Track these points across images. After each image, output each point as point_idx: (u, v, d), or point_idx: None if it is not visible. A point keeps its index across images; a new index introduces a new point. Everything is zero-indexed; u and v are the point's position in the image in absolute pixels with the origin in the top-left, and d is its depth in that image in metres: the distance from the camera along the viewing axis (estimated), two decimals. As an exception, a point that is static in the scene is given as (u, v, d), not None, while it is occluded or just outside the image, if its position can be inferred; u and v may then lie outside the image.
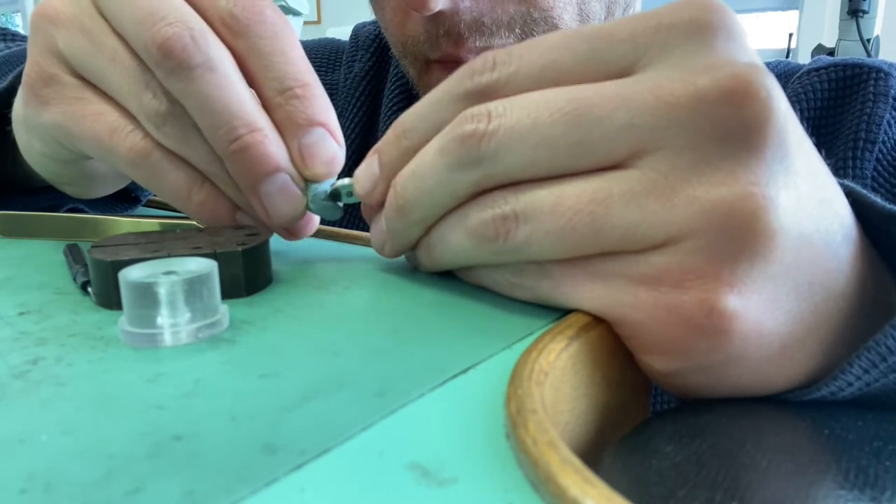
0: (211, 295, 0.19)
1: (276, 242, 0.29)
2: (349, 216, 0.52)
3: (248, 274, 0.23)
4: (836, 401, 0.19)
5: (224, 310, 0.20)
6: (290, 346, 0.18)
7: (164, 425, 0.14)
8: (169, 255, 0.21)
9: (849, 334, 0.19)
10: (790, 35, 2.51)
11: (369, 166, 0.23)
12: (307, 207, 0.26)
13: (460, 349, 0.18)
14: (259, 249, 0.23)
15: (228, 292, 0.22)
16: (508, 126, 0.19)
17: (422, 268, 0.24)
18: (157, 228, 0.29)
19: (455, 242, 0.21)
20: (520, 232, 0.19)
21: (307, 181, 0.25)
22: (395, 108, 0.54)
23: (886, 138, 0.41)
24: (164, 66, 0.23)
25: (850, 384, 0.18)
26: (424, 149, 0.21)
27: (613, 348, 0.20)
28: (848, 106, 0.43)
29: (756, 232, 0.17)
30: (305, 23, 3.12)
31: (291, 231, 0.28)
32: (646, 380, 0.21)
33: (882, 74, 0.42)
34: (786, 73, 0.47)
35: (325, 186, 0.26)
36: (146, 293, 0.18)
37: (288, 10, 2.40)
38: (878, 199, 0.20)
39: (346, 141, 0.26)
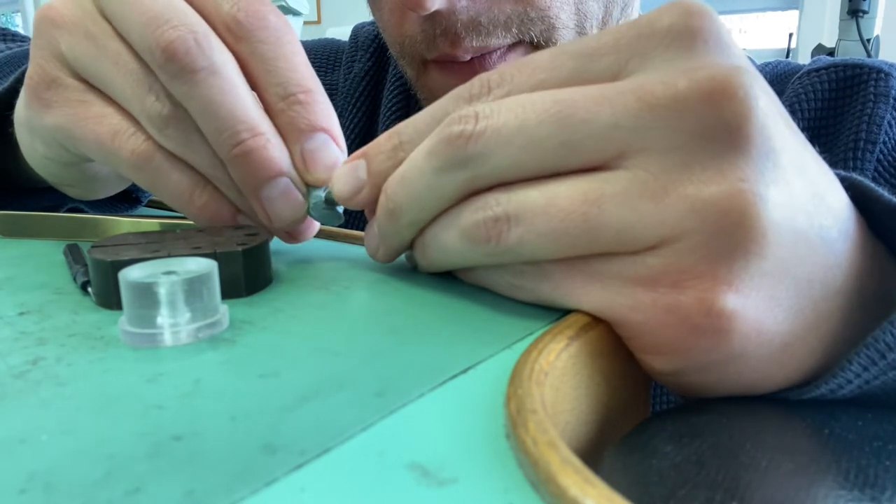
0: (211, 295, 0.19)
1: (276, 242, 0.29)
2: (349, 217, 0.52)
3: (248, 274, 0.23)
4: (836, 399, 0.19)
5: (224, 310, 0.20)
6: (290, 346, 0.18)
7: (164, 425, 0.14)
8: (169, 255, 0.21)
9: (849, 330, 0.19)
10: (790, 35, 2.51)
11: (353, 170, 0.23)
12: (308, 212, 0.26)
13: (460, 349, 0.18)
14: (259, 249, 0.23)
15: (228, 292, 0.22)
16: (495, 127, 0.19)
17: (420, 268, 0.24)
18: (157, 228, 0.29)
19: (448, 244, 0.21)
20: (512, 234, 0.19)
21: (309, 186, 0.25)
22: (394, 108, 0.54)
23: (887, 139, 0.41)
24: (168, 69, 0.23)
25: (850, 381, 0.18)
26: (413, 152, 0.21)
27: (613, 348, 0.20)
28: (848, 106, 0.43)
29: (748, 228, 0.17)
30: (305, 23, 3.12)
31: (292, 234, 0.28)
32: (646, 379, 0.21)
33: (882, 75, 0.42)
34: (786, 74, 0.47)
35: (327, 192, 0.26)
36: (146, 293, 0.18)
37: (288, 10, 2.40)
38: (884, 193, 0.20)
39: (346, 141, 0.26)
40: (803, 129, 0.20)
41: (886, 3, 1.70)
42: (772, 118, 0.18)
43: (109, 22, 0.25)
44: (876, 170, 0.41)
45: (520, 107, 0.19)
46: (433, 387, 0.16)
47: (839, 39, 1.64)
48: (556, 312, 0.21)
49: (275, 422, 0.14)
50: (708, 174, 0.17)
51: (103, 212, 0.38)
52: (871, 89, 0.41)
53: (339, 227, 0.31)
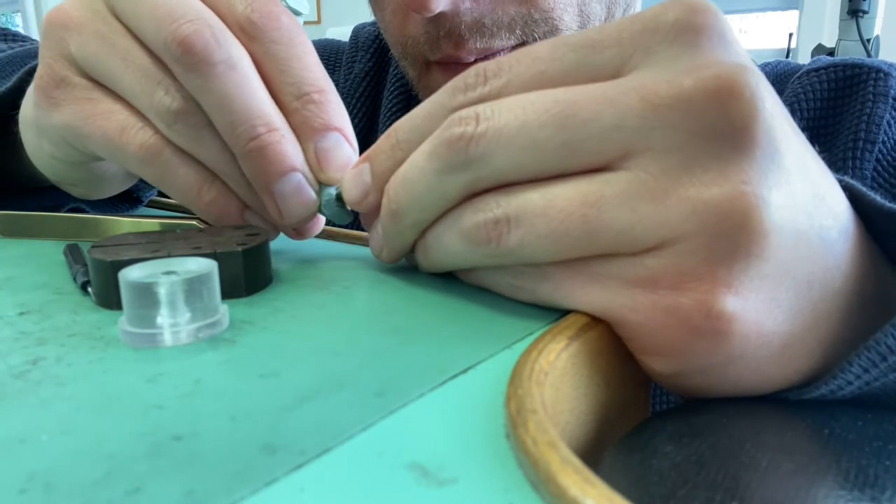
0: (211, 295, 0.19)
1: (276, 242, 0.29)
2: (354, 216, 0.52)
3: (248, 274, 0.23)
4: (835, 399, 0.19)
5: (224, 310, 0.20)
6: (290, 346, 0.18)
7: (164, 425, 0.14)
8: (169, 255, 0.21)
9: (849, 331, 0.19)
10: (790, 35, 2.51)
11: (360, 174, 0.24)
12: (319, 210, 0.26)
13: (460, 349, 0.18)
14: (259, 249, 0.23)
15: (228, 292, 0.22)
16: (496, 128, 0.19)
17: (421, 269, 0.24)
18: (157, 228, 0.29)
19: (450, 245, 0.21)
20: (512, 236, 0.19)
21: (320, 184, 0.26)
22: (394, 109, 0.54)
23: (886, 138, 0.41)
24: (185, 61, 0.23)
25: (850, 383, 0.18)
26: (415, 153, 0.21)
27: (613, 348, 0.20)
28: (847, 106, 0.43)
29: (749, 231, 0.17)
30: (305, 23, 3.12)
31: (299, 231, 0.28)
32: (646, 379, 0.21)
33: (882, 74, 0.42)
34: (785, 73, 0.47)
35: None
36: (146, 293, 0.18)
37: (288, 11, 2.40)
38: (877, 197, 0.20)
39: None
40: (803, 129, 0.19)
41: (886, 3, 1.70)
42: (777, 119, 0.17)
43: (121, 21, 0.25)
44: (875, 169, 0.41)
45: (520, 107, 0.19)
46: (433, 387, 0.16)
47: (839, 39, 1.64)
48: (556, 312, 0.21)
49: (275, 422, 0.14)
50: (710, 176, 0.17)
51: (104, 211, 0.38)
52: (871, 89, 0.41)
53: (345, 226, 0.31)
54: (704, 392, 0.20)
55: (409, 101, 0.54)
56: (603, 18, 0.40)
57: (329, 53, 0.61)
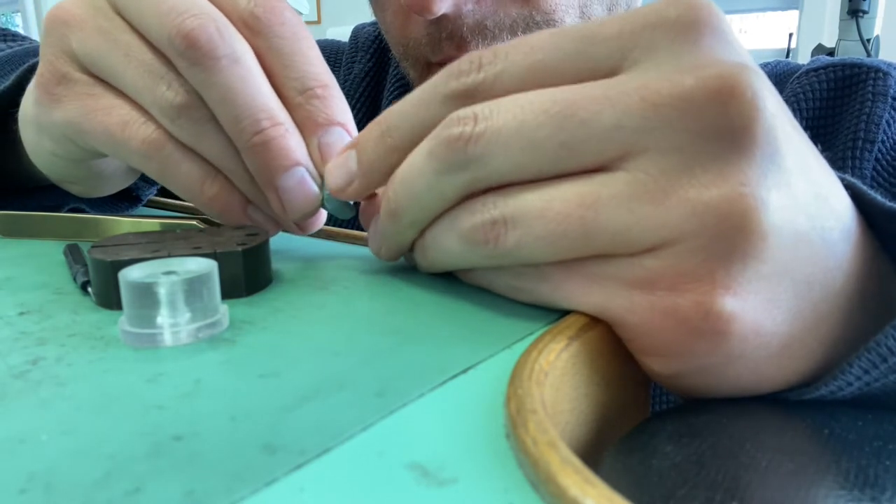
0: (211, 295, 0.19)
1: (276, 242, 0.29)
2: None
3: (248, 274, 0.23)
4: (835, 400, 0.19)
5: (224, 310, 0.20)
6: (290, 346, 0.18)
7: (164, 425, 0.14)
8: (169, 255, 0.21)
9: (849, 332, 0.19)
10: (790, 35, 2.51)
11: (345, 161, 0.24)
12: (322, 204, 0.26)
13: (460, 349, 0.18)
14: (259, 249, 0.23)
15: (228, 292, 0.22)
16: (495, 129, 0.19)
17: (420, 269, 0.24)
18: (157, 228, 0.29)
19: (448, 245, 0.21)
20: (509, 237, 0.19)
21: (323, 179, 0.26)
22: None
23: (885, 138, 0.41)
24: (189, 55, 0.23)
25: (850, 384, 0.18)
26: (414, 152, 0.21)
27: (613, 348, 0.20)
28: (847, 106, 0.43)
29: (748, 233, 0.17)
30: (305, 23, 3.12)
31: (301, 226, 0.28)
32: (646, 379, 0.21)
33: (881, 74, 0.42)
34: (785, 73, 0.47)
35: None
36: (146, 293, 0.18)
37: (288, 11, 2.40)
38: (878, 197, 0.20)
39: None
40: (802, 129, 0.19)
41: (886, 3, 1.70)
42: (779, 119, 0.17)
43: (123, 17, 0.25)
44: (874, 169, 0.41)
45: (518, 107, 0.18)
46: (433, 387, 0.16)
47: (839, 39, 1.64)
48: (556, 313, 0.21)
49: (275, 422, 0.14)
50: (709, 177, 0.17)
51: (104, 211, 0.38)
52: (870, 88, 0.41)
53: (345, 224, 0.31)
54: (704, 392, 0.20)
55: (408, 101, 0.54)
56: None
57: (329, 53, 0.61)
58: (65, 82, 0.27)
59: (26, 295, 0.23)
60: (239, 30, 0.24)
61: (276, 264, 0.26)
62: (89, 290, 0.22)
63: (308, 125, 0.25)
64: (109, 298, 0.21)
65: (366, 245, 0.30)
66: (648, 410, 0.23)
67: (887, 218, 0.20)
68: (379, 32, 0.58)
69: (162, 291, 0.18)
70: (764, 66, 0.48)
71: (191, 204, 0.27)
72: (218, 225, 0.29)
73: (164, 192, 0.40)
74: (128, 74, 0.25)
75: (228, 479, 0.12)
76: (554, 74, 0.19)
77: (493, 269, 0.21)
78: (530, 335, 0.19)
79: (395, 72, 0.55)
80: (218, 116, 0.24)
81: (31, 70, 0.34)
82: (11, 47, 0.49)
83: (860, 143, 0.41)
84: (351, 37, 0.61)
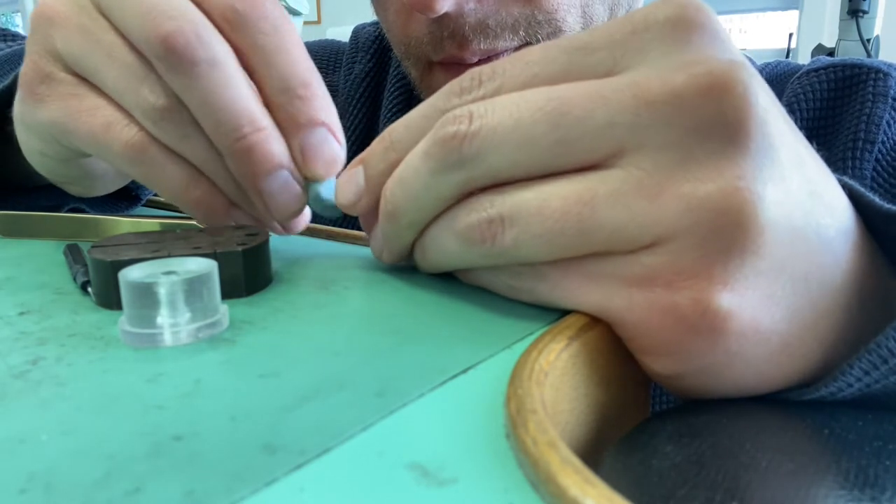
0: (211, 295, 0.19)
1: (276, 242, 0.29)
2: (350, 216, 0.52)
3: (248, 274, 0.23)
4: (836, 401, 0.19)
5: (224, 310, 0.20)
6: (290, 346, 0.18)
7: (164, 425, 0.14)
8: (169, 255, 0.21)
9: (849, 332, 0.19)
10: (790, 35, 2.51)
11: (353, 177, 0.24)
12: (308, 204, 0.26)
13: (460, 349, 0.18)
14: (259, 249, 0.23)
15: (228, 292, 0.22)
16: (490, 126, 0.19)
17: (420, 269, 0.24)
18: (157, 228, 0.29)
19: (446, 245, 0.21)
20: (506, 236, 0.19)
21: (307, 180, 0.26)
22: (395, 109, 0.54)
23: (886, 139, 0.41)
24: (168, 61, 0.23)
25: (851, 385, 0.18)
26: (410, 154, 0.21)
27: (613, 348, 0.20)
28: (847, 106, 0.43)
29: (745, 227, 0.17)
30: (305, 23, 3.12)
31: (286, 227, 0.28)
32: (645, 379, 0.21)
33: (881, 75, 0.42)
34: (785, 74, 0.47)
35: (327, 185, 0.26)
36: (146, 293, 0.18)
37: (288, 10, 2.40)
38: (876, 199, 0.20)
39: (346, 142, 0.26)
40: (802, 129, 0.19)
41: (886, 3, 1.70)
42: (772, 114, 0.17)
43: (106, 16, 0.25)
44: (874, 169, 0.41)
45: (514, 105, 0.19)
46: (433, 387, 0.16)
47: (839, 39, 1.64)
48: (556, 313, 0.21)
49: (275, 422, 0.14)
50: (704, 171, 0.17)
51: (103, 210, 0.38)
52: (870, 89, 0.41)
53: (338, 224, 0.31)
54: (704, 393, 0.20)
55: (409, 101, 0.54)
56: (605, 20, 0.40)
57: (329, 54, 0.61)
58: (48, 81, 0.26)
59: (26, 295, 0.23)
60: (219, 26, 0.24)
61: (276, 264, 0.26)
62: (89, 290, 0.22)
63: (290, 126, 0.25)
64: (109, 298, 0.21)
65: (365, 245, 0.30)
66: (648, 410, 0.23)
67: (885, 219, 0.20)
68: (379, 32, 0.58)
69: (162, 291, 0.18)
70: (764, 67, 0.48)
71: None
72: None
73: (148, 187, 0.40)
74: (110, 76, 0.25)
75: (228, 479, 0.12)
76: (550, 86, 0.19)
77: (492, 268, 0.21)
78: (530, 335, 0.19)
79: (395, 72, 0.55)
80: (199, 121, 0.24)
81: None
82: (11, 47, 0.49)
83: (860, 143, 0.41)
84: (351, 37, 0.61)
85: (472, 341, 0.19)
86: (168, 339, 0.18)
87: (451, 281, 0.24)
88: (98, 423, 0.14)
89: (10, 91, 0.34)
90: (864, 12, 1.58)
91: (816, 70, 0.44)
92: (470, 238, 0.20)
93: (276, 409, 0.15)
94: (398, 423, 0.15)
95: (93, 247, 0.23)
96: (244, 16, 0.24)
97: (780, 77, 0.47)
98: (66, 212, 0.35)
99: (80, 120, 0.26)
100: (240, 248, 0.22)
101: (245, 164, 0.24)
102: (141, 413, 0.15)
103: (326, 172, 0.25)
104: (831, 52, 1.68)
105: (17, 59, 0.42)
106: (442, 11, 0.35)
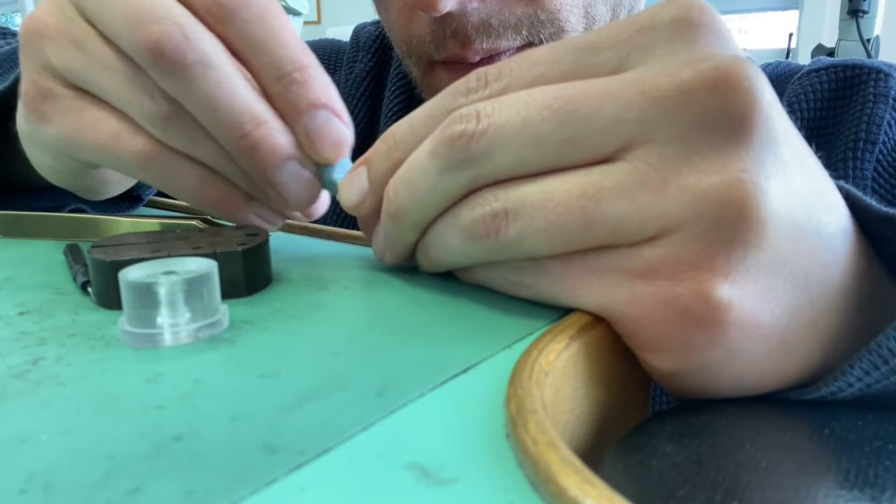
0: (211, 295, 0.19)
1: (276, 242, 0.29)
2: (349, 215, 0.52)
3: (248, 274, 0.23)
4: (836, 401, 0.19)
5: (224, 310, 0.20)
6: (290, 346, 0.18)
7: (164, 425, 0.14)
8: (169, 255, 0.21)
9: (848, 331, 0.19)
10: (790, 35, 2.51)
11: (356, 178, 0.23)
12: (325, 188, 0.26)
13: (460, 349, 0.18)
14: (259, 249, 0.23)
15: (228, 292, 0.22)
16: (498, 125, 0.19)
17: (422, 268, 0.24)
18: (157, 228, 0.29)
19: (449, 242, 0.21)
20: (510, 229, 0.19)
21: (318, 164, 0.25)
22: (396, 108, 0.54)
23: (887, 139, 0.41)
24: (159, 67, 0.22)
25: (851, 385, 0.18)
26: (415, 152, 0.21)
27: (613, 348, 0.20)
28: (848, 107, 0.43)
29: (747, 219, 0.17)
30: (305, 23, 3.12)
31: (306, 213, 0.28)
32: (645, 379, 0.21)
33: (882, 75, 0.42)
34: (785, 74, 0.47)
35: (339, 167, 0.25)
36: (146, 293, 0.18)
37: (288, 10, 2.40)
38: (873, 202, 0.20)
39: None
40: (802, 129, 0.20)
41: (886, 3, 1.70)
42: (776, 110, 0.18)
43: (93, 25, 0.25)
44: (875, 170, 0.41)
45: (521, 103, 0.19)
46: (433, 387, 0.16)
47: (839, 39, 1.64)
48: (556, 312, 0.21)
49: (275, 422, 0.14)
50: (708, 164, 0.17)
51: (104, 211, 0.38)
52: (871, 90, 0.42)
53: (340, 227, 0.31)
54: (705, 392, 0.20)
55: (410, 101, 0.54)
56: (608, 20, 0.40)
57: (329, 53, 0.61)
58: (50, 98, 0.26)
59: (26, 295, 0.23)
60: (205, 21, 0.23)
61: (276, 264, 0.26)
62: (89, 290, 0.22)
63: (291, 112, 0.24)
64: (109, 298, 0.21)
65: (366, 245, 0.30)
66: (648, 410, 0.23)
67: (881, 222, 0.20)
68: (380, 32, 0.58)
69: (162, 291, 0.18)
70: (765, 67, 0.48)
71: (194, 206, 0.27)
72: (218, 225, 0.29)
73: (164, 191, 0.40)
74: (110, 87, 0.25)
75: (228, 479, 0.12)
76: None
77: (493, 264, 0.21)
78: (530, 335, 0.19)
79: (396, 71, 0.55)
80: (202, 122, 0.24)
81: None
82: (10, 44, 0.49)
83: (861, 144, 0.41)
84: (352, 36, 0.61)
85: (473, 341, 0.19)
86: (168, 339, 0.18)
87: (451, 281, 0.24)
88: (98, 423, 0.14)
89: (11, 92, 0.34)
90: (864, 12, 1.58)
91: (817, 70, 0.44)
92: (474, 233, 0.20)
93: (276, 409, 0.15)
94: (398, 423, 0.15)
95: (93, 247, 0.23)
96: (227, 7, 0.23)
97: (780, 77, 0.47)
98: (67, 212, 0.35)
99: (88, 133, 0.26)
100: (240, 248, 0.22)
101: (253, 160, 0.24)
102: (141, 413, 0.15)
103: (335, 154, 0.25)
104: (831, 53, 1.68)
105: (16, 56, 0.42)
106: (445, 10, 0.34)
